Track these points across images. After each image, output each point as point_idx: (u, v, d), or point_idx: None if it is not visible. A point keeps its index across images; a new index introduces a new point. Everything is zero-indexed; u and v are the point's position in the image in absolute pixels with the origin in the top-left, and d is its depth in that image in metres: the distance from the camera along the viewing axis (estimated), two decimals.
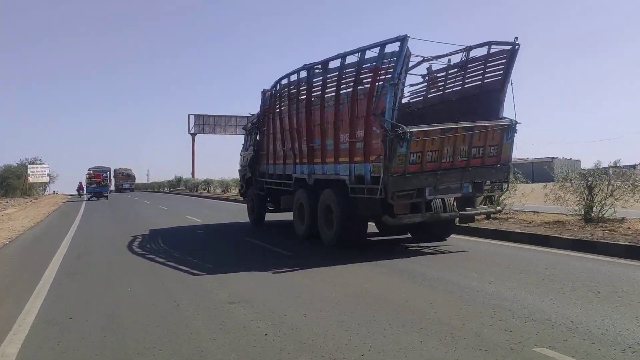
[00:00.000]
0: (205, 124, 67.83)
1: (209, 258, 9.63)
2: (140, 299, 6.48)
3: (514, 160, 9.55)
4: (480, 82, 9.93)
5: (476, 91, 10.02)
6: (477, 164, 9.15)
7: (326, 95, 10.43)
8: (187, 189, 55.25)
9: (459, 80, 10.43)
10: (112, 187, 60.25)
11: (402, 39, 8.33)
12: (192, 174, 67.74)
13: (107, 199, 43.07)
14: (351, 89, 9.54)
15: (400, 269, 7.83)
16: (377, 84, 8.87)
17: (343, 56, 9.83)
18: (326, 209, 10.47)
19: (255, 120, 15.31)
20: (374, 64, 8.96)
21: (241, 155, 16.90)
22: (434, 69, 11.22)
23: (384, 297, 6.08)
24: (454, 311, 5.39)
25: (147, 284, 7.40)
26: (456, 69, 10.38)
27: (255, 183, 14.95)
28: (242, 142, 16.86)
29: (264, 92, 14.58)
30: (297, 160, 11.86)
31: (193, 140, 68.92)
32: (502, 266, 7.76)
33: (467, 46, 10.04)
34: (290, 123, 12.02)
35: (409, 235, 11.37)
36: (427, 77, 11.37)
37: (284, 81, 12.40)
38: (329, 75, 10.40)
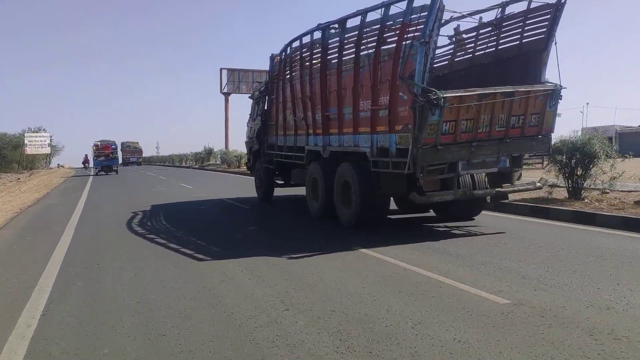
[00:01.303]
0: (241, 80, 52.29)
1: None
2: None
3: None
4: (518, 43, 8.79)
5: (513, 53, 8.89)
6: (516, 134, 8.11)
7: (344, 58, 9.34)
8: (225, 164, 42.06)
9: (492, 41, 9.28)
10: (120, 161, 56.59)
11: None
12: (226, 144, 53.82)
13: (117, 173, 38.56)
14: (373, 50, 8.45)
15: (438, 256, 6.89)
16: (404, 43, 7.78)
17: (364, 13, 8.69)
18: (343, 185, 9.50)
19: (263, 88, 14.22)
20: (401, 19, 7.85)
21: (248, 125, 15.86)
22: (461, 29, 10.08)
23: (429, 282, 5.15)
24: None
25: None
26: (489, 28, 9.21)
27: (263, 156, 13.94)
28: (250, 113, 15.79)
29: (272, 58, 13.44)
30: (310, 131, 10.83)
31: (226, 101, 53.44)
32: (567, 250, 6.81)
33: (503, 1, 8.88)
34: (302, 90, 10.95)
35: (431, 214, 10.43)
36: (454, 39, 10.22)
37: (296, 44, 11.28)
38: (347, 36, 9.29)
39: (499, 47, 9.18)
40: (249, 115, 15.79)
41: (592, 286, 5.19)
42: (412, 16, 7.67)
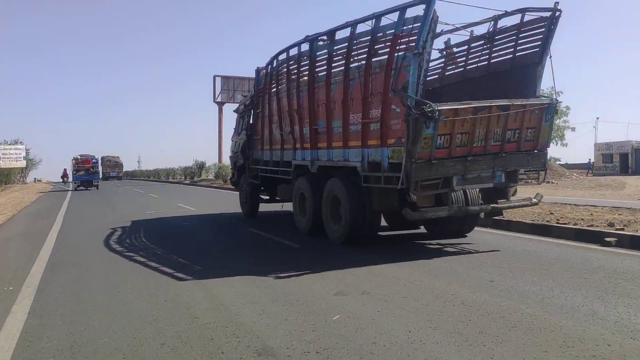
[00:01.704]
0: (236, 89, 47.21)
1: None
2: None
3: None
4: (511, 56, 8.64)
5: (506, 66, 8.73)
6: (512, 149, 7.90)
7: (333, 71, 9.09)
8: (220, 179, 37.65)
9: (484, 55, 9.12)
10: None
11: (428, 0, 7.00)
12: (219, 157, 48.11)
13: (97, 188, 36.98)
14: (364, 62, 8.22)
15: (432, 272, 6.58)
16: (396, 54, 7.56)
17: (353, 24, 8.47)
18: (333, 201, 9.19)
19: (248, 102, 13.91)
20: (393, 31, 7.63)
21: (232, 140, 15.52)
22: (453, 42, 9.92)
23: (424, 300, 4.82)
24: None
25: None
26: (481, 42, 9.05)
27: (249, 171, 13.58)
28: (234, 127, 15.46)
29: (258, 71, 13.16)
30: (298, 145, 10.53)
31: (220, 111, 49.25)
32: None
33: (494, 15, 8.73)
34: (289, 103, 10.67)
35: (421, 230, 10.14)
36: (444, 52, 10.06)
37: (283, 56, 11.02)
38: (336, 47, 9.05)
39: (492, 61, 9.02)
40: (233, 130, 15.45)
41: (595, 304, 4.92)
42: (404, 27, 7.46)
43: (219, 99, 48.68)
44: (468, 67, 9.53)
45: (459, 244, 8.80)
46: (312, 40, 9.61)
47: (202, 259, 8.13)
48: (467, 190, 8.60)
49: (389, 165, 7.71)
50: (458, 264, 7.15)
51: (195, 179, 47.42)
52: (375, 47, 8.02)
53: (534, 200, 8.42)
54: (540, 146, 8.14)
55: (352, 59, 8.56)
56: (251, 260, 7.97)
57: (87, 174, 37.83)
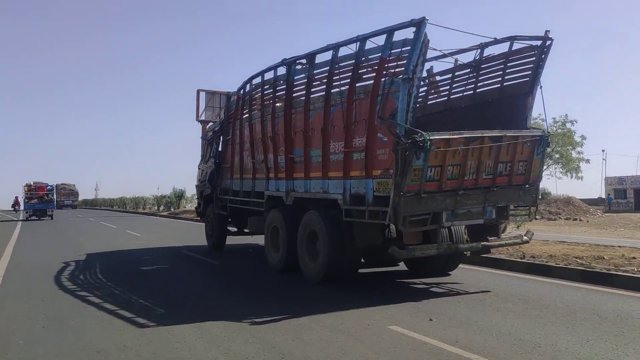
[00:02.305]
0: (222, 107, 29.79)
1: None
2: None
3: None
4: (499, 86, 8.26)
5: (493, 96, 8.35)
6: (503, 182, 7.42)
7: (312, 96, 8.53)
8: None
9: (470, 84, 8.73)
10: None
11: (419, 23, 6.53)
12: None
13: (52, 218, 33.68)
14: (347, 87, 7.67)
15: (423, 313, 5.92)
16: (383, 79, 7.05)
17: (335, 47, 7.95)
18: (309, 236, 8.50)
19: (217, 128, 13.19)
20: (379, 54, 7.14)
21: (199, 168, 14.68)
22: (436, 70, 9.55)
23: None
24: None
25: None
26: (467, 70, 8.67)
27: (216, 201, 12.75)
28: (201, 154, 14.66)
29: (229, 96, 12.55)
30: (272, 175, 9.84)
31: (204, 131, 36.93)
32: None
33: (481, 43, 8.38)
34: (263, 130, 10.01)
35: (400, 267, 9.55)
36: (427, 80, 9.65)
37: (257, 80, 10.41)
38: (316, 72, 8.50)
39: (478, 90, 8.63)
40: (200, 158, 14.66)
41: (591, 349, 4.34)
42: (393, 51, 6.97)
43: (202, 117, 37.23)
44: (452, 97, 9.12)
45: (444, 283, 8.20)
46: (289, 63, 9.04)
47: (166, 300, 7.25)
48: (452, 227, 8.05)
49: (374, 198, 7.10)
50: (453, 306, 6.52)
51: (173, 209, 41.34)
52: (360, 71, 7.51)
53: (525, 237, 7.93)
54: (531, 180, 7.70)
55: (333, 84, 8.01)
56: (224, 299, 7.15)
57: (41, 202, 34.78)
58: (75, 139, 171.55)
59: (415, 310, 6.38)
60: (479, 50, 8.41)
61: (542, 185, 9.32)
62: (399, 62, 6.85)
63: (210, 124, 14.08)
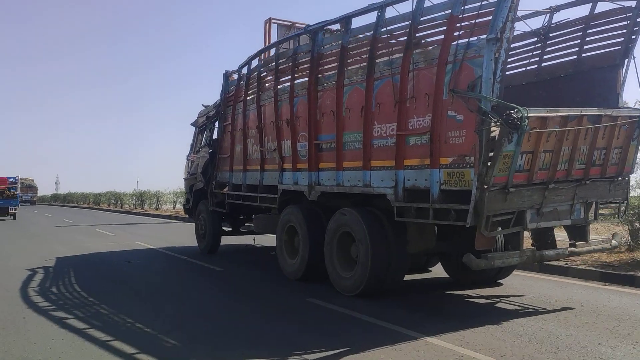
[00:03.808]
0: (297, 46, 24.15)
1: None
2: None
3: None
4: (575, 57, 6.88)
5: (565, 71, 6.97)
6: (596, 174, 6.05)
7: (348, 69, 6.98)
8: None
9: (534, 57, 7.33)
10: None
11: None
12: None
13: (15, 218, 26.84)
14: (399, 55, 6.17)
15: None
16: (454, 43, 5.57)
17: (381, 6, 6.42)
18: (342, 239, 6.99)
19: (212, 113, 11.47)
20: (448, 11, 5.65)
21: (188, 159, 12.91)
22: None
23: None
24: None
25: None
26: (533, 40, 7.26)
27: (212, 197, 11.03)
28: (190, 143, 12.90)
29: (226, 75, 10.83)
30: (288, 166, 8.25)
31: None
32: None
33: (550, 7, 7.01)
34: (276, 113, 8.40)
35: (434, 275, 8.19)
36: None
37: (269, 53, 8.80)
38: (351, 39, 6.97)
39: (543, 64, 7.23)
40: (190, 147, 12.89)
41: None
42: (467, 6, 5.49)
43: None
44: (509, 72, 7.69)
45: (505, 295, 6.80)
46: (315, 30, 7.48)
47: (174, 325, 5.59)
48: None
49: (440, 193, 5.62)
50: (543, 326, 5.11)
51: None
52: (418, 34, 6.00)
53: (614, 242, 6.58)
54: (625, 172, 6.36)
55: (378, 53, 6.50)
56: (251, 324, 5.56)
57: (1, 198, 27.84)
58: (32, 131, 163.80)
59: (501, 335, 4.95)
60: (547, 16, 7.02)
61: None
62: (477, 20, 5.39)
63: (203, 108, 12.25)
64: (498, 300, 6.60)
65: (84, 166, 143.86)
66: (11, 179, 28.84)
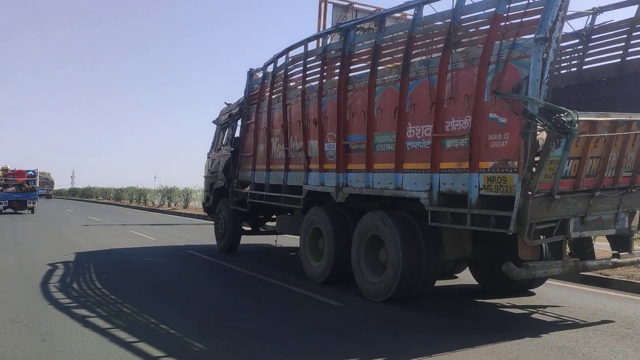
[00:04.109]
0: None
1: None
2: None
3: None
4: (619, 61, 6.63)
5: (608, 74, 6.72)
6: None
7: (380, 68, 6.79)
8: None
9: (574, 59, 7.10)
10: None
11: None
12: None
13: (33, 212, 26.43)
14: (438, 55, 5.96)
15: None
16: (498, 42, 5.35)
17: (417, 5, 6.23)
18: (370, 243, 6.80)
19: (235, 111, 11.34)
20: (493, 10, 5.43)
21: (209, 157, 12.80)
22: None
23: None
24: None
25: None
26: (577, 41, 7.02)
27: (233, 195, 10.88)
28: (212, 141, 12.78)
29: (250, 73, 10.68)
30: (314, 166, 8.07)
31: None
32: None
33: (594, 8, 6.76)
34: (303, 112, 8.24)
35: (460, 281, 7.99)
36: None
37: (296, 52, 8.63)
38: (385, 38, 6.78)
39: (584, 67, 6.99)
40: (211, 145, 12.77)
41: None
42: (513, 5, 5.27)
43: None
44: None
45: (541, 306, 6.55)
46: (346, 29, 7.30)
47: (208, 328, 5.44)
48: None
49: (479, 198, 5.40)
50: (586, 340, 4.87)
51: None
52: (459, 33, 5.79)
53: None
54: None
55: (414, 52, 6.30)
56: (292, 332, 5.39)
57: (20, 191, 27.23)
58: (47, 125, 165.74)
59: (545, 348, 4.72)
60: (589, 17, 6.77)
61: None
62: (524, 19, 5.17)
63: (225, 106, 12.12)
64: (534, 310, 6.36)
65: (100, 161, 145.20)
66: (30, 172, 28.35)
